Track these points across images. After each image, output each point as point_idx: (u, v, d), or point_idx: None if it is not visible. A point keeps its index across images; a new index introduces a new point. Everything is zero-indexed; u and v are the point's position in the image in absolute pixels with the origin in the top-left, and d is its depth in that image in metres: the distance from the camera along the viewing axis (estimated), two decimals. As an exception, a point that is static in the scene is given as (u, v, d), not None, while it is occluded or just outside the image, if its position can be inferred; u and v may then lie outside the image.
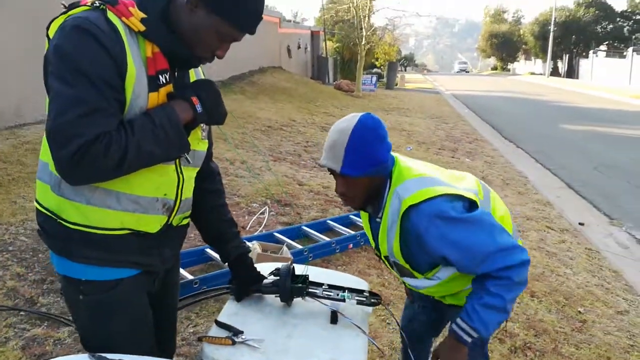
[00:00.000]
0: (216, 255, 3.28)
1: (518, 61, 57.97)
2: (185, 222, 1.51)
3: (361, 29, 17.37)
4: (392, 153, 1.63)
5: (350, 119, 1.54)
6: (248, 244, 2.20)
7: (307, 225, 4.25)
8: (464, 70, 60.63)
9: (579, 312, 3.43)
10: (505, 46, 49.61)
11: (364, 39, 17.48)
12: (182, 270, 3.10)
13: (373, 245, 1.76)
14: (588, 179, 7.55)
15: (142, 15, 1.22)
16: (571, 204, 6.32)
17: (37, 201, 1.34)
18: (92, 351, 1.30)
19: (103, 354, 1.25)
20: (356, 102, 15.40)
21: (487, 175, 7.26)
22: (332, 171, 1.56)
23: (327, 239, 3.98)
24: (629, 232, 5.37)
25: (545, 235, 4.95)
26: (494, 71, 55.28)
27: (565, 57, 42.27)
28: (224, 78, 14.03)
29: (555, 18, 39.75)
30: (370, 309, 1.66)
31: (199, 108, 1.29)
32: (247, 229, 4.22)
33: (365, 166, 1.51)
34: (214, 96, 1.34)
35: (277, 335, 1.48)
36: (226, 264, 1.72)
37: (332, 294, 1.63)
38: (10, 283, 2.87)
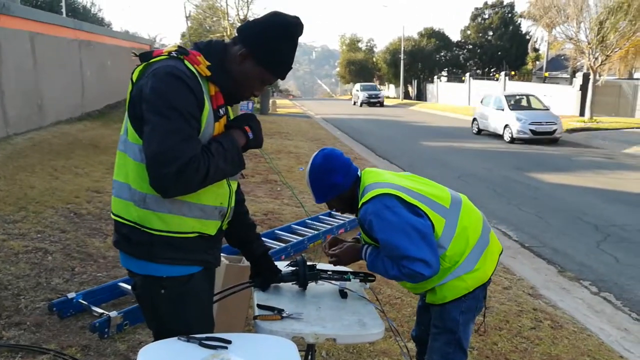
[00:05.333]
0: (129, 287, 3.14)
1: (374, 86, 62.67)
2: (226, 227, 1.83)
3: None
4: (367, 169, 2.11)
5: (309, 163, 2.05)
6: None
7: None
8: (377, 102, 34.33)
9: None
10: (361, 73, 53.47)
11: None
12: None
13: None
14: (454, 186, 8.57)
15: (208, 63, 1.57)
16: (447, 208, 7.38)
17: (116, 215, 1.59)
18: (170, 337, 1.56)
19: (192, 335, 1.54)
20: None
21: (375, 188, 8.10)
22: None
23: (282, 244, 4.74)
24: (495, 227, 6.50)
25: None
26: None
27: (414, 82, 47.00)
28: (100, 107, 13.51)
29: (403, 47, 44.17)
30: (367, 284, 2.12)
31: (250, 135, 1.67)
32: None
33: (327, 195, 2.04)
34: (258, 126, 1.72)
35: (309, 309, 1.87)
36: None
37: (338, 276, 2.06)
38: (-37, 323, 2.78)
